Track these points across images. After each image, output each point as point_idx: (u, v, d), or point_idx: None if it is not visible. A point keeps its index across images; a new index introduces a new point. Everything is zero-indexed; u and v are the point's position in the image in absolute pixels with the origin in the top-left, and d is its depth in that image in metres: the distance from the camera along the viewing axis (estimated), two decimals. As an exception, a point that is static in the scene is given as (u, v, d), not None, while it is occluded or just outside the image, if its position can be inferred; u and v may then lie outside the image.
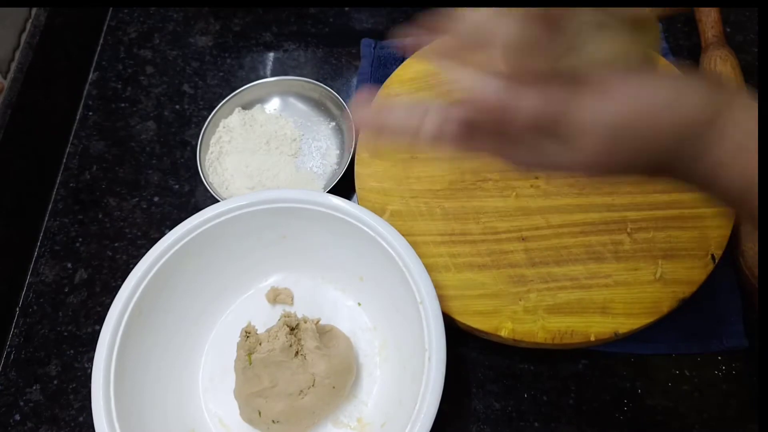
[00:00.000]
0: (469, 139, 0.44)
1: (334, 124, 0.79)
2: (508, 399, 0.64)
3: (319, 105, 0.80)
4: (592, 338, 0.61)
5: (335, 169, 0.76)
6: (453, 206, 0.69)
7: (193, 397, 0.64)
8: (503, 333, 0.62)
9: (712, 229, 0.65)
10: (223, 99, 0.79)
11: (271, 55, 0.88)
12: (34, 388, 0.68)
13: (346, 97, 0.82)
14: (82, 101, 0.86)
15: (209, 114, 0.78)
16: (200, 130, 0.77)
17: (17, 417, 0.66)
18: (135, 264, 0.61)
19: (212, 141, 0.78)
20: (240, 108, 0.80)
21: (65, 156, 0.82)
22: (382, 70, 0.82)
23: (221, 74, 0.86)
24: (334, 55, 0.86)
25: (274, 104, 0.82)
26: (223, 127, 0.78)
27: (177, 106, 0.84)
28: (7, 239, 0.72)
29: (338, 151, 0.78)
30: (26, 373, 0.69)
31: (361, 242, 0.62)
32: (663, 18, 0.82)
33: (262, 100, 0.81)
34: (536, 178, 0.70)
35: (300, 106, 0.81)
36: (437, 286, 0.58)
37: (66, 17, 0.83)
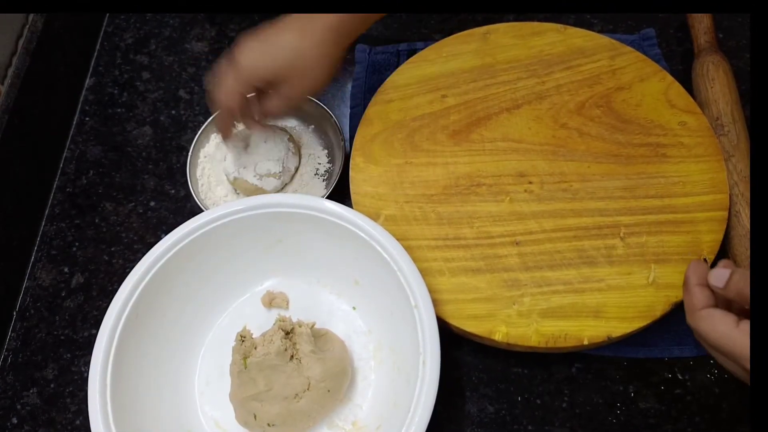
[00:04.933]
0: None
1: (326, 131, 0.79)
2: (502, 402, 0.64)
3: (311, 116, 0.80)
4: (586, 342, 0.62)
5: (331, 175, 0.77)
6: (447, 211, 0.69)
7: (189, 400, 0.65)
8: (497, 337, 0.62)
9: (705, 233, 0.66)
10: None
11: (267, 60, 0.88)
12: (31, 391, 0.68)
13: (341, 102, 0.83)
14: (79, 106, 0.86)
15: (205, 119, 0.78)
16: (195, 135, 0.77)
17: (14, 420, 0.67)
18: (131, 268, 0.61)
19: (201, 153, 0.78)
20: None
21: (62, 161, 0.82)
22: (376, 75, 0.83)
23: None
24: (329, 60, 0.87)
25: None
26: (214, 139, 0.78)
27: (173, 112, 0.85)
28: (4, 243, 0.72)
29: (333, 156, 0.78)
30: (23, 377, 0.69)
31: (356, 246, 0.63)
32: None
33: None
34: (530, 183, 0.70)
35: (292, 119, 0.81)
36: (431, 290, 0.59)
37: (63, 23, 0.84)
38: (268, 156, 0.73)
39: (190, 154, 0.76)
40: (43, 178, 0.80)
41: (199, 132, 0.77)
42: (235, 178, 0.73)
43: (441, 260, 0.67)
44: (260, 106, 0.69)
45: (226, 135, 0.71)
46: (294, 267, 0.69)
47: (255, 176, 0.73)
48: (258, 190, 0.73)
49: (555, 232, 0.67)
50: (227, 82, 0.65)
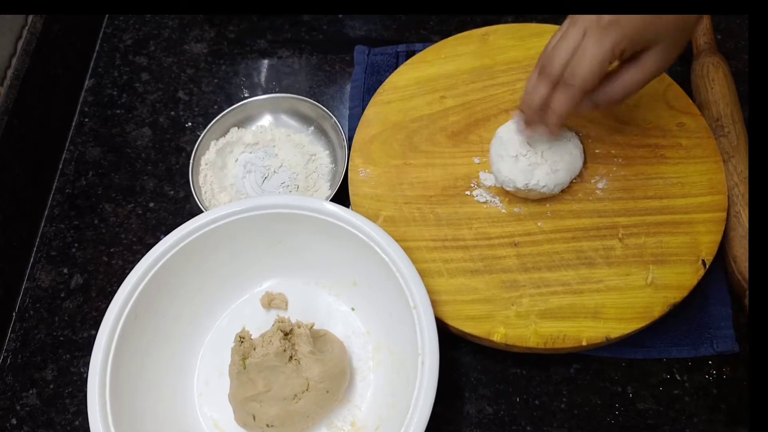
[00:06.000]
0: None
1: (327, 131, 0.79)
2: (501, 403, 0.64)
3: (311, 117, 0.80)
4: (584, 343, 0.62)
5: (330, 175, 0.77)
6: (446, 212, 0.69)
7: (189, 401, 0.65)
8: (496, 338, 0.62)
9: (703, 234, 0.66)
10: (216, 105, 0.79)
11: (266, 62, 0.88)
12: (31, 392, 0.68)
13: (340, 103, 0.83)
14: (78, 108, 0.86)
15: (204, 120, 0.78)
16: (195, 137, 0.77)
17: (14, 421, 0.67)
18: (131, 269, 0.61)
19: (202, 161, 0.78)
20: (236, 127, 0.80)
21: (61, 162, 0.82)
22: (375, 76, 0.83)
23: (216, 81, 0.87)
24: (327, 62, 0.87)
25: (265, 120, 0.81)
26: (214, 146, 0.79)
27: (172, 113, 0.85)
28: (3, 244, 0.72)
29: (335, 157, 0.78)
30: (23, 378, 0.69)
31: (355, 247, 0.63)
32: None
33: (253, 117, 0.81)
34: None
35: (292, 122, 0.81)
36: (430, 291, 0.59)
37: (62, 24, 0.84)
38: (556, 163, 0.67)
39: (191, 161, 0.76)
40: (42, 179, 0.80)
41: (199, 140, 0.77)
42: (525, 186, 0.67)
43: (440, 261, 0.67)
44: (602, 86, 0.55)
45: (554, 131, 0.57)
46: (293, 268, 0.69)
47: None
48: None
49: (553, 233, 0.67)
50: (587, 46, 0.48)
